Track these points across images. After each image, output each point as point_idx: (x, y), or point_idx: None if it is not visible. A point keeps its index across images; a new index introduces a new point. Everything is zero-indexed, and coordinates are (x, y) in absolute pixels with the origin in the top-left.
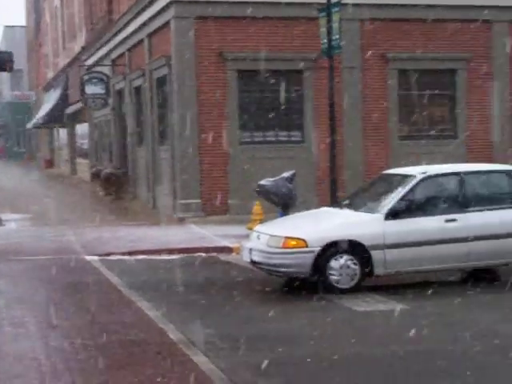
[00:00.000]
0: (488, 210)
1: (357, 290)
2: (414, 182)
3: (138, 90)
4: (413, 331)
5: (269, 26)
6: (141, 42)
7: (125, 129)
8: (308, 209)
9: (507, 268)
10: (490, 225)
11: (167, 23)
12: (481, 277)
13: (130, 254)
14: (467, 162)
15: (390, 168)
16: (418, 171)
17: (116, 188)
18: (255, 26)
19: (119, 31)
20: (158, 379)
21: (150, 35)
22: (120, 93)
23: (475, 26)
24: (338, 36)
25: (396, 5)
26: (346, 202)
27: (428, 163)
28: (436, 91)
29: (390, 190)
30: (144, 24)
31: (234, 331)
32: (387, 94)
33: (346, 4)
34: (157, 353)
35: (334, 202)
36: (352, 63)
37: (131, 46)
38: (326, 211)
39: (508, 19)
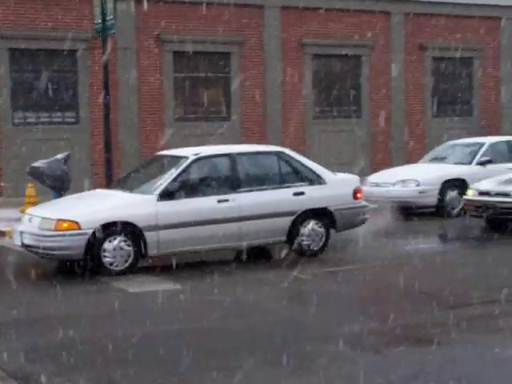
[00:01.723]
0: (259, 190)
1: (131, 271)
2: (186, 163)
3: None
4: (184, 310)
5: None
6: None
7: None
8: (83, 191)
9: (278, 246)
10: (260, 204)
11: None
12: (252, 255)
13: None
14: (241, 143)
15: (165, 149)
16: (190, 152)
17: None
18: None
19: None
20: None
21: None
22: None
23: (248, 11)
24: (111, 16)
25: None
26: (120, 183)
27: (203, 144)
28: (211, 74)
29: (163, 171)
30: None
31: (6, 317)
32: (163, 76)
33: None
34: None
35: (109, 184)
36: (127, 44)
37: None
38: (100, 193)
39: (280, 5)
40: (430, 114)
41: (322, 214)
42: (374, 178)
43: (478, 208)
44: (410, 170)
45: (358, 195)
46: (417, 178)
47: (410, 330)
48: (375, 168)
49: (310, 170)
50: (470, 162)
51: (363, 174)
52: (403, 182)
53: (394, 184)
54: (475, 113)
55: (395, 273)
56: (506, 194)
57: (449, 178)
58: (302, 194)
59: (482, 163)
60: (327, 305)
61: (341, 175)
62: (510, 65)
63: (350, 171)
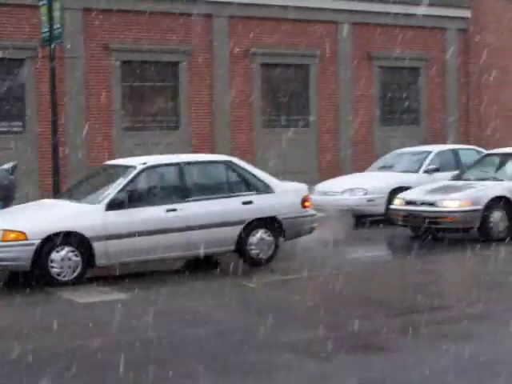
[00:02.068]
0: (207, 199)
1: (80, 281)
2: (134, 172)
3: None
4: (133, 321)
5: None
6: None
7: None
8: (30, 201)
9: (227, 255)
10: (208, 214)
11: None
12: (201, 265)
13: None
14: (190, 152)
15: (114, 159)
16: (138, 162)
17: None
18: None
19: None
20: None
21: None
22: None
23: (197, 20)
24: (59, 25)
25: None
26: (68, 193)
27: (152, 154)
28: (160, 83)
29: (111, 180)
30: None
31: None
32: (111, 85)
33: None
34: None
35: (56, 194)
36: (75, 53)
37: None
38: (48, 203)
39: (229, 14)
40: (377, 123)
41: (270, 223)
42: (322, 186)
43: (405, 217)
44: (357, 179)
45: (306, 204)
46: (364, 186)
47: (358, 337)
48: (323, 177)
49: (258, 178)
50: (417, 170)
51: (311, 183)
52: (351, 190)
53: (341, 192)
54: (422, 122)
55: (343, 281)
56: (431, 204)
57: (396, 186)
58: (250, 202)
59: (428, 171)
60: (275, 313)
61: (289, 184)
62: (456, 74)
63: (299, 180)
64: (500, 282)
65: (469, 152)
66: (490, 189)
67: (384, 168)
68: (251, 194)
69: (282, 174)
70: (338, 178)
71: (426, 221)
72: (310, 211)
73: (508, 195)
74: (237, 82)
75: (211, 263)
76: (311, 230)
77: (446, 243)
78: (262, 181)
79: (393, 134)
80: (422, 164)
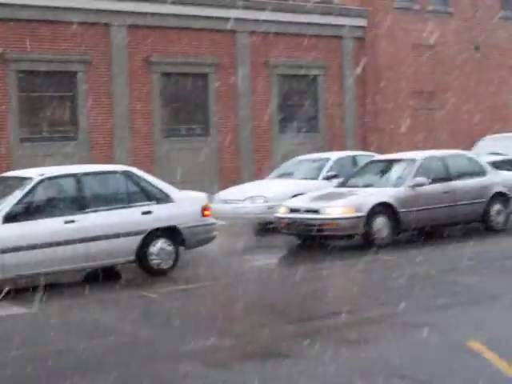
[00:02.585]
0: (106, 210)
1: None
2: (31, 184)
3: None
4: (33, 334)
5: None
6: None
7: None
8: None
9: (126, 266)
10: (107, 225)
11: None
12: (102, 276)
13: None
14: (89, 162)
15: (10, 170)
16: (35, 173)
17: None
18: None
19: None
20: None
21: None
22: None
23: (95, 29)
24: None
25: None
26: None
27: (50, 165)
28: (57, 93)
29: (7, 192)
30: None
31: None
32: (7, 96)
33: None
34: None
35: None
36: None
37: None
38: None
39: (127, 24)
40: (276, 131)
41: (170, 233)
42: (223, 194)
43: (289, 225)
44: (258, 187)
45: (206, 212)
46: (265, 194)
47: (259, 344)
48: (224, 185)
49: (158, 188)
50: (316, 177)
51: (212, 192)
52: (252, 198)
53: (242, 200)
54: (321, 129)
55: (243, 289)
56: (315, 211)
57: (296, 193)
58: (149, 212)
59: (328, 178)
60: (177, 323)
61: (188, 193)
62: (353, 82)
63: (200, 189)
64: (389, 286)
65: (367, 158)
66: (373, 195)
67: (284, 175)
68: (150, 204)
69: (182, 183)
70: (238, 187)
71: (310, 228)
72: (210, 220)
73: (391, 201)
74: (136, 92)
75: (112, 274)
76: (212, 239)
77: (334, 250)
78: (161, 190)
79: (292, 142)
80: (321, 171)
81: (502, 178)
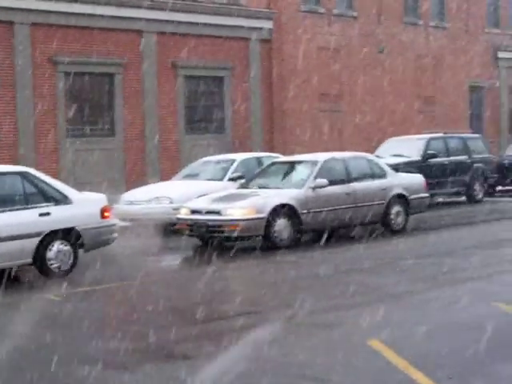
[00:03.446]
0: (1, 211)
1: None
2: None
3: None
4: None
5: None
6: None
7: None
8: None
9: (30, 269)
10: (3, 226)
11: None
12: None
13: None
14: None
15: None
16: None
17: None
18: None
19: None
20: None
21: None
22: None
23: None
24: None
25: None
26: None
27: None
28: None
29: None
30: None
31: None
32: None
33: None
34: None
35: None
36: None
37: None
38: None
39: (30, 22)
40: (183, 132)
41: (69, 234)
42: (128, 195)
43: (191, 226)
44: (163, 188)
45: (106, 214)
46: (170, 195)
47: (162, 346)
48: (130, 186)
49: (56, 189)
50: (222, 178)
51: (118, 192)
52: (157, 199)
53: (147, 201)
54: (227, 130)
55: (146, 291)
56: (216, 212)
57: (201, 194)
58: (47, 214)
59: (233, 179)
60: (80, 325)
61: (88, 194)
62: (259, 83)
63: (105, 190)
64: (292, 287)
65: (272, 160)
66: (275, 197)
67: (190, 176)
68: (48, 206)
69: (88, 184)
70: (144, 187)
71: (212, 230)
72: (110, 221)
73: (292, 203)
74: (41, 91)
75: (10, 277)
76: (112, 241)
77: (236, 252)
78: (59, 191)
79: (199, 143)
80: (226, 172)
81: (402, 179)
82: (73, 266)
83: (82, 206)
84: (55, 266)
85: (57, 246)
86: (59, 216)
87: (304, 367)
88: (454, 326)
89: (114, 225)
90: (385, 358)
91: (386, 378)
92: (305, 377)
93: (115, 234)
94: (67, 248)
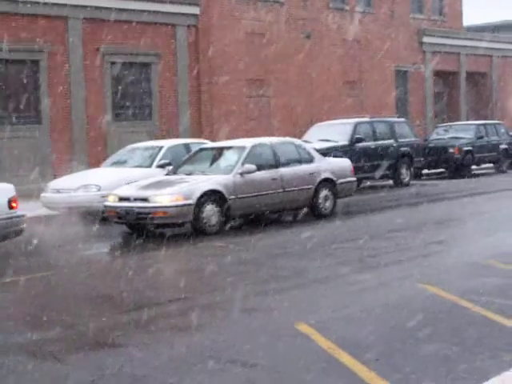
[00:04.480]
0: None
1: None
2: None
3: None
4: None
5: None
6: None
7: None
8: None
9: None
10: None
11: None
12: None
13: None
14: None
15: None
16: None
17: None
18: None
19: None
20: None
21: None
22: None
23: None
24: None
25: None
26: None
27: None
28: None
29: None
30: None
31: None
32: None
33: None
34: None
35: None
36: None
37: None
38: None
39: None
40: (110, 118)
41: None
42: (55, 184)
43: (119, 214)
44: (91, 175)
45: (14, 205)
46: (98, 182)
47: (90, 334)
48: (57, 175)
49: None
50: (150, 165)
51: (45, 181)
52: (85, 187)
53: (75, 190)
54: (155, 117)
55: (72, 280)
56: (144, 199)
57: (129, 181)
58: None
59: (161, 166)
60: (5, 315)
61: None
62: (186, 70)
63: (32, 179)
64: (221, 273)
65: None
66: (203, 183)
67: (118, 163)
68: None
69: (13, 173)
70: (71, 175)
71: (140, 217)
72: (18, 212)
73: (220, 189)
74: None
75: None
76: (20, 232)
77: (165, 239)
78: None
79: (127, 130)
80: (154, 159)
81: (330, 164)
82: None
83: None
84: None
85: None
86: None
87: (232, 352)
88: (380, 308)
89: (22, 215)
90: (313, 341)
91: (314, 361)
92: (233, 361)
93: (23, 225)
94: None
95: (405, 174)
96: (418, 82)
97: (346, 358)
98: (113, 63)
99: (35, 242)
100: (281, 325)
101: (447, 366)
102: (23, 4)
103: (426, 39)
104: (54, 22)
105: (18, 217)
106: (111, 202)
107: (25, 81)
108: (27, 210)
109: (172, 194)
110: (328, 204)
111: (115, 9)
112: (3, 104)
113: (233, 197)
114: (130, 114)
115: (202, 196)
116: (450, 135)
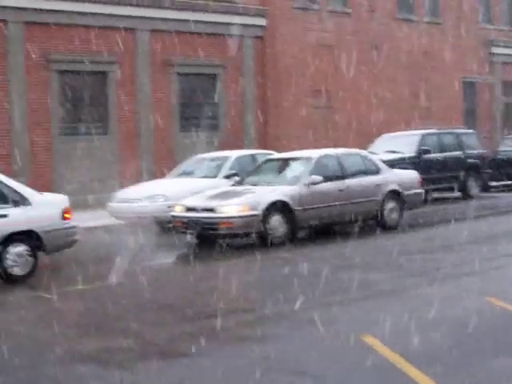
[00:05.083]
0: None
1: None
2: None
3: None
4: None
5: None
6: None
7: None
8: None
9: None
10: None
11: None
12: None
13: None
14: None
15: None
16: None
17: None
18: None
19: None
20: None
21: None
22: None
23: None
24: None
25: None
26: None
27: None
28: None
29: None
30: None
31: None
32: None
33: None
34: None
35: None
36: None
37: None
38: None
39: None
40: (177, 129)
41: (28, 237)
42: (122, 194)
43: (186, 224)
44: (158, 185)
45: (67, 216)
46: (164, 192)
47: (157, 344)
48: (125, 184)
49: (15, 190)
50: (216, 176)
51: (113, 191)
52: (151, 197)
53: (142, 199)
54: (221, 127)
55: (142, 288)
56: (210, 210)
57: (196, 192)
58: (5, 216)
59: (228, 176)
60: (74, 324)
61: (48, 195)
62: (253, 81)
63: (100, 189)
64: (286, 284)
65: (266, 157)
66: (269, 193)
67: (184, 174)
68: (7, 207)
69: (86, 183)
70: (138, 185)
71: (206, 227)
72: (71, 223)
73: (286, 200)
74: (33, 89)
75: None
76: (73, 243)
77: (231, 249)
78: (18, 193)
79: (193, 140)
80: (220, 169)
81: (396, 176)
82: (33, 269)
83: (42, 208)
84: (13, 269)
85: (16, 249)
86: (17, 218)
87: (300, 364)
88: (447, 321)
89: (74, 227)
90: (379, 353)
91: (381, 374)
92: (301, 374)
93: (76, 237)
94: (26, 251)
95: (472, 185)
96: (486, 93)
97: (413, 372)
98: (179, 74)
99: (100, 250)
100: (347, 336)
101: None
102: (92, 16)
103: (494, 50)
104: (122, 34)
105: (70, 228)
106: (178, 212)
107: (93, 92)
108: (93, 219)
109: (238, 204)
110: (394, 216)
111: (182, 20)
112: (73, 115)
113: (299, 208)
114: (196, 125)
115: (268, 207)
116: None
